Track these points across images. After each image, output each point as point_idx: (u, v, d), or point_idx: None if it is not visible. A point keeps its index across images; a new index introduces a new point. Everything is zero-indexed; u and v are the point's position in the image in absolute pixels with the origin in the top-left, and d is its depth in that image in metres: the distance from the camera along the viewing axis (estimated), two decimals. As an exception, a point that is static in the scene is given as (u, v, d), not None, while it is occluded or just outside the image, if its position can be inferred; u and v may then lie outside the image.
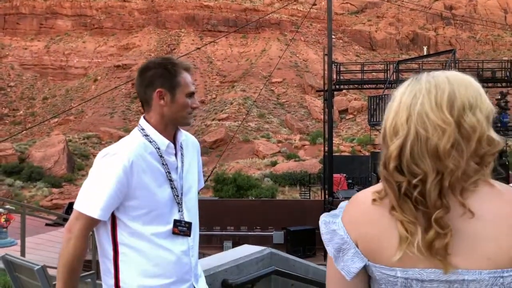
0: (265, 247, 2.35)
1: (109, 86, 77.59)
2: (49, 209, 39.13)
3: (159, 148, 1.85)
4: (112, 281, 1.80)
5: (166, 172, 1.84)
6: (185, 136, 2.01)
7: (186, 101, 1.89)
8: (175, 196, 1.85)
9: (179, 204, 1.86)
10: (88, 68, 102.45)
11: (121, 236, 1.79)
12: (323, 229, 1.11)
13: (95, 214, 1.73)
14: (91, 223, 1.76)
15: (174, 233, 1.83)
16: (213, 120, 77.11)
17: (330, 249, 1.08)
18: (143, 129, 1.89)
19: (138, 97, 1.99)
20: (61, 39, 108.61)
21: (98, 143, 65.69)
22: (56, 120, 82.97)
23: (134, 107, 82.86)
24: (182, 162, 1.93)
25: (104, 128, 71.96)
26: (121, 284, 1.79)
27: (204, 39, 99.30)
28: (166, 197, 1.83)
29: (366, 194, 1.09)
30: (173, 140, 1.93)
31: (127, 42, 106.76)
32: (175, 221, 1.82)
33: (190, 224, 1.86)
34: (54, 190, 44.73)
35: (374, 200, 1.04)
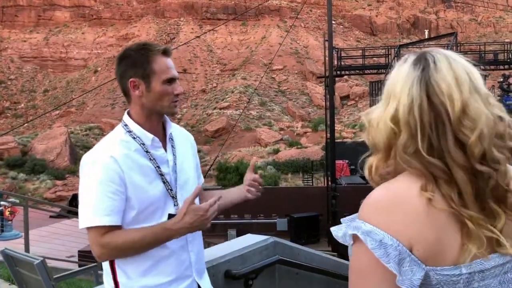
0: (269, 236, 2.31)
1: (109, 77, 77.34)
2: (53, 201, 39.34)
3: (144, 144, 1.74)
4: (112, 282, 1.74)
5: (155, 167, 1.73)
6: (176, 129, 1.90)
7: (164, 89, 1.74)
8: (169, 190, 1.75)
9: (174, 198, 1.76)
10: (88, 60, 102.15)
11: None
12: (370, 244, 0.95)
13: (103, 221, 1.62)
14: (103, 232, 1.65)
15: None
16: (214, 109, 76.96)
17: (392, 265, 0.93)
18: (126, 125, 1.78)
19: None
20: (60, 31, 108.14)
21: (100, 134, 65.68)
22: (57, 112, 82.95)
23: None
24: (174, 155, 1.81)
25: (105, 119, 71.92)
26: (120, 286, 1.72)
27: (204, 28, 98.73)
28: (158, 192, 1.73)
29: (406, 192, 0.97)
30: (163, 132, 1.83)
31: (126, 32, 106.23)
32: (170, 216, 1.72)
33: None
34: (58, 182, 44.87)
35: (429, 199, 0.94)
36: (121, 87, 1.81)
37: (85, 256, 10.95)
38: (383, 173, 1.06)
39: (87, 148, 58.33)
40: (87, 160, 1.69)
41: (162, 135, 1.82)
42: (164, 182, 1.74)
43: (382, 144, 1.04)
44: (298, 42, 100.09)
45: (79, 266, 10.07)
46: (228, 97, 79.96)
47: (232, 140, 59.21)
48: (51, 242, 10.48)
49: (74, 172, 48.65)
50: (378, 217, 0.96)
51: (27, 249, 7.64)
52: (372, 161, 1.08)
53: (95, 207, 1.63)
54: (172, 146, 1.82)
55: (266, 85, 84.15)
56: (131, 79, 1.73)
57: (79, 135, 65.21)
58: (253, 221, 21.65)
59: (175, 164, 1.80)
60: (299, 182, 36.64)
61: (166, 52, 1.78)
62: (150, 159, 1.73)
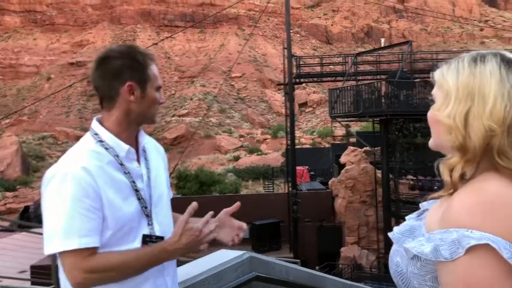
0: (244, 251, 2.24)
1: (63, 85, 75.10)
2: (2, 214, 37.52)
3: (118, 155, 1.58)
4: None
5: (130, 182, 1.57)
6: (148, 140, 1.75)
7: (155, 96, 1.66)
8: (143, 208, 1.59)
9: (148, 216, 1.60)
10: (41, 66, 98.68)
11: None
12: (506, 253, 0.87)
13: (83, 243, 1.43)
14: (85, 255, 1.45)
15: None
16: (173, 116, 76.08)
17: None
18: (96, 134, 1.60)
19: (97, 92, 1.64)
20: (10, 36, 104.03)
21: (54, 143, 63.55)
22: (7, 121, 79.44)
23: (90, 105, 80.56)
24: (148, 168, 1.66)
25: (60, 127, 69.63)
26: None
27: (161, 35, 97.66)
28: (133, 210, 1.56)
29: (509, 192, 0.95)
30: (136, 143, 1.67)
31: (81, 38, 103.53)
32: (144, 236, 1.56)
33: (162, 238, 1.58)
34: (8, 194, 42.86)
35: None
36: (104, 90, 1.62)
37: (38, 272, 10.44)
38: (457, 176, 1.03)
39: (40, 157, 56.25)
40: (54, 174, 1.48)
41: (135, 147, 1.67)
42: (139, 199, 1.58)
43: (476, 145, 1.00)
44: (256, 50, 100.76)
45: (32, 283, 9.59)
46: (187, 104, 79.30)
47: (192, 147, 58.67)
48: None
49: (26, 183, 46.68)
50: (491, 221, 0.91)
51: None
52: (455, 162, 1.03)
53: (70, 227, 1.43)
54: (145, 159, 1.68)
55: (225, 92, 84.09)
56: (129, 82, 1.60)
57: (32, 144, 62.70)
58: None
59: (149, 178, 1.65)
60: (260, 189, 36.72)
61: (155, 60, 1.71)
62: (125, 172, 1.57)
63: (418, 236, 1.05)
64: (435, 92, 1.12)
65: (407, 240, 1.06)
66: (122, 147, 1.60)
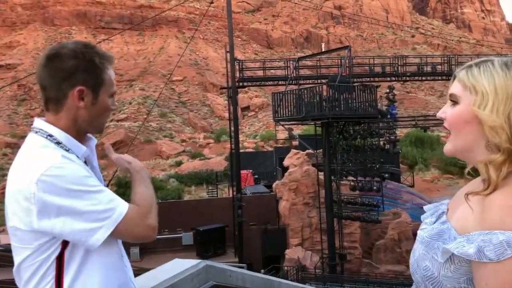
0: (200, 260, 2.14)
1: (-9, 88, 70.57)
2: None
3: (78, 157, 1.47)
4: None
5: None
6: (90, 140, 1.62)
7: (108, 103, 1.52)
8: None
9: None
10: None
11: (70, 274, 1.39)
12: None
13: (125, 203, 1.42)
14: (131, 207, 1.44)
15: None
16: (111, 121, 73.68)
17: None
18: (51, 136, 1.43)
19: (42, 91, 1.48)
20: None
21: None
22: None
23: (21, 110, 76.43)
24: (100, 174, 1.61)
25: (-13, 134, 65.38)
26: None
27: (98, 37, 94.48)
28: None
29: None
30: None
31: (11, 39, 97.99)
32: None
33: None
34: None
35: None
36: (51, 90, 1.46)
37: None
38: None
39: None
40: (40, 178, 1.31)
41: None
42: None
43: None
44: (197, 53, 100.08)
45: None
46: (125, 109, 77.16)
47: (132, 153, 57.05)
48: None
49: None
50: None
51: None
52: (501, 162, 1.04)
53: (107, 196, 1.39)
54: (92, 163, 1.60)
55: (166, 96, 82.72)
56: (79, 87, 1.44)
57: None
58: (158, 237, 20.93)
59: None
60: (204, 194, 36.37)
61: (113, 63, 1.56)
62: (90, 173, 1.47)
63: (449, 239, 1.07)
64: (460, 93, 1.12)
65: (437, 243, 1.08)
66: (80, 149, 1.49)
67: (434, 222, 1.18)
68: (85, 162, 1.51)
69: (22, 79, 64.23)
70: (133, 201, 1.47)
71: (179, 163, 52.39)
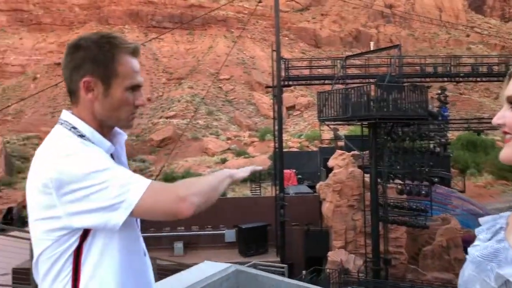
0: (230, 264, 2.06)
1: (49, 84, 74.08)
2: (-15, 216, 36.76)
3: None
4: None
5: None
6: (119, 134, 1.55)
7: (125, 97, 1.41)
8: None
9: None
10: (26, 66, 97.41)
11: (91, 263, 1.33)
12: None
13: (147, 180, 1.32)
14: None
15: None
16: (160, 118, 75.54)
17: None
18: (74, 128, 1.39)
19: (66, 84, 1.46)
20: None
21: (39, 144, 62.66)
22: (-9, 121, 78.21)
23: (76, 106, 79.76)
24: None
25: (45, 128, 68.62)
26: None
27: (149, 36, 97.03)
28: None
29: None
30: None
31: (68, 38, 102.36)
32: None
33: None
34: (-9, 195, 42.09)
35: None
36: (67, 82, 1.43)
37: (20, 275, 10.16)
38: None
39: (24, 158, 55.34)
40: (56, 162, 1.27)
41: None
42: None
43: None
44: (244, 52, 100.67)
45: (13, 286, 9.33)
46: (174, 106, 78.82)
47: (179, 149, 58.26)
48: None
49: (10, 184, 45.91)
50: None
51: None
52: None
53: (127, 173, 1.30)
54: (119, 157, 1.55)
55: (213, 94, 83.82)
56: (85, 78, 1.38)
57: (16, 144, 61.82)
58: (201, 233, 21.23)
59: None
60: (247, 192, 36.51)
61: (135, 52, 1.45)
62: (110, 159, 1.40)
63: (505, 261, 0.93)
64: None
65: (491, 265, 0.95)
66: (105, 144, 1.42)
67: (489, 239, 1.01)
68: (112, 158, 1.44)
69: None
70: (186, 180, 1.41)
71: (224, 161, 52.95)
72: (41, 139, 70.73)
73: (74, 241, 1.32)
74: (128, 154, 1.61)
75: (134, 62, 1.44)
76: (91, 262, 1.34)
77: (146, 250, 1.54)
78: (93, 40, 1.40)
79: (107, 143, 1.42)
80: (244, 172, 1.60)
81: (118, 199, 1.25)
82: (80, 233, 1.32)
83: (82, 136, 1.38)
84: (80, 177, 1.25)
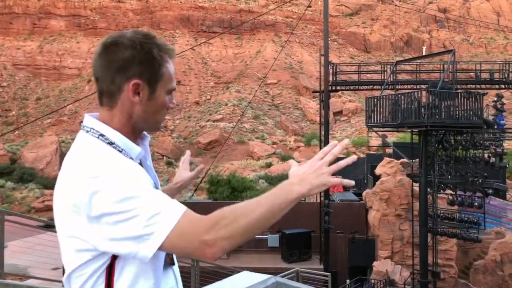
0: (270, 276, 1.99)
1: (102, 87, 76.85)
2: (40, 211, 38.57)
3: (132, 159, 1.35)
4: None
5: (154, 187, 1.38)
6: (145, 137, 1.50)
7: (166, 100, 1.39)
8: None
9: None
10: (82, 69, 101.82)
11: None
12: None
13: (182, 207, 1.23)
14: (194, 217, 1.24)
15: (166, 264, 1.39)
16: (207, 121, 76.71)
17: None
18: (103, 135, 1.33)
19: (96, 83, 1.39)
20: (55, 39, 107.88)
21: (91, 144, 65.15)
22: (49, 120, 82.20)
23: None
24: (154, 173, 1.49)
25: (97, 129, 71.40)
26: None
27: (199, 40, 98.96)
28: None
29: None
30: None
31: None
32: None
33: None
34: (46, 191, 44.19)
35: None
36: (105, 82, 1.35)
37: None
38: None
39: (77, 157, 57.71)
40: (88, 181, 1.21)
41: None
42: None
43: None
44: (292, 57, 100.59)
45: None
46: (221, 110, 79.84)
47: (225, 152, 58.89)
48: (35, 254, 10.09)
49: (64, 182, 48.01)
50: None
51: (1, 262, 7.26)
52: None
53: (159, 197, 1.22)
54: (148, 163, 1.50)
55: (260, 98, 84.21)
56: (135, 80, 1.32)
57: (71, 144, 64.48)
58: (244, 236, 21.24)
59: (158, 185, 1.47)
60: (291, 197, 36.34)
61: (173, 56, 1.41)
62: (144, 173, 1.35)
63: None
64: None
65: None
66: (135, 150, 1.36)
67: None
68: (140, 163, 1.41)
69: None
70: (226, 208, 1.26)
71: (269, 165, 52.99)
72: (94, 139, 73.76)
73: (106, 260, 1.28)
74: (175, 156, 1.56)
75: (173, 66, 1.42)
76: (125, 283, 1.29)
77: (175, 259, 1.48)
78: (139, 40, 1.34)
79: (137, 149, 1.37)
80: (325, 181, 1.34)
81: (147, 230, 1.19)
82: (111, 253, 1.28)
83: (111, 143, 1.32)
84: (111, 202, 1.19)
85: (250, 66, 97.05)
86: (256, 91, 51.29)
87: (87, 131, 1.36)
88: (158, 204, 1.21)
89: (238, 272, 1.90)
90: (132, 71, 1.32)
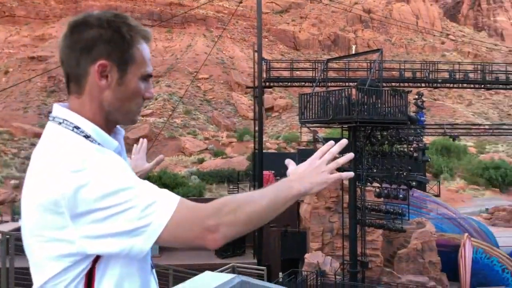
0: (234, 275, 1.94)
1: (22, 79, 72.27)
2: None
3: None
4: None
5: None
6: (119, 132, 1.37)
7: (138, 86, 1.24)
8: None
9: None
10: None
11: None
12: None
13: (176, 195, 1.15)
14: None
15: (152, 266, 1.32)
16: (136, 116, 74.63)
17: None
18: (77, 128, 1.17)
19: (63, 68, 1.24)
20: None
21: (10, 139, 60.92)
22: (-40, 114, 75.78)
23: (51, 101, 77.96)
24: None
25: (17, 123, 66.89)
26: None
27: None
28: None
29: None
30: None
31: (43, 32, 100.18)
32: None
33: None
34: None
35: None
36: (70, 66, 1.22)
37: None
38: None
39: (-6, 154, 53.81)
40: (72, 176, 1.08)
41: None
42: None
43: None
44: (224, 52, 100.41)
45: None
46: (151, 105, 77.94)
47: (155, 148, 57.53)
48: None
49: (-22, 181, 44.53)
50: None
51: None
52: None
53: (152, 187, 1.13)
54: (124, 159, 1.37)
55: (191, 93, 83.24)
56: (102, 61, 1.19)
57: (-17, 140, 59.92)
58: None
59: None
60: (225, 192, 36.35)
61: (148, 39, 1.27)
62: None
63: None
64: None
65: None
66: (112, 144, 1.23)
67: None
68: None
69: (51, 71, 65.49)
70: (229, 197, 1.21)
71: (201, 161, 52.64)
72: (11, 134, 68.70)
73: (86, 265, 1.15)
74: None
75: (148, 49, 1.28)
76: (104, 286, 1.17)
77: (153, 264, 1.38)
78: (107, 18, 1.21)
79: (115, 143, 1.24)
80: (323, 180, 1.33)
81: (143, 222, 1.09)
82: (94, 256, 1.15)
83: (87, 136, 1.18)
84: (100, 195, 1.07)
85: (181, 60, 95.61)
86: (188, 86, 50.66)
87: (60, 123, 1.20)
88: (151, 193, 1.12)
89: (196, 273, 1.83)
90: (98, 51, 1.19)
